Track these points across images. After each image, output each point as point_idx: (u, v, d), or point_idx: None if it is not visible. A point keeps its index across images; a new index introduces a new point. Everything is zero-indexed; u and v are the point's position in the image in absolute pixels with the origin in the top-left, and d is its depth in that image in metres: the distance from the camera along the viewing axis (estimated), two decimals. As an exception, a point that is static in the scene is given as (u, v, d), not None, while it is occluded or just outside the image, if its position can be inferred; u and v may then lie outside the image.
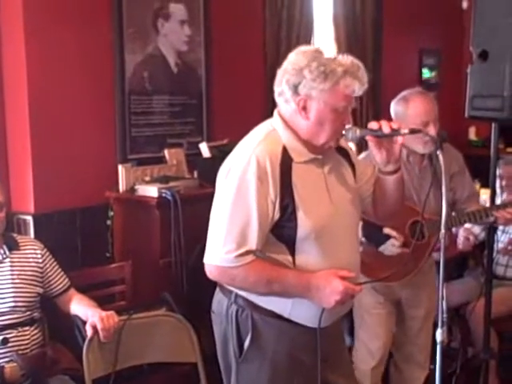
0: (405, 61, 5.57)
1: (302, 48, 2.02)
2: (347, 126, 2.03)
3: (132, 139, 3.64)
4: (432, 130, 2.65)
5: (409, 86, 2.90)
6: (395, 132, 2.04)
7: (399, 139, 2.04)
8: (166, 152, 3.67)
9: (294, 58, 1.98)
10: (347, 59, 1.97)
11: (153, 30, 3.70)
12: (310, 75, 1.92)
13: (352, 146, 3.94)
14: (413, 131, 2.13)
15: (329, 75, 1.92)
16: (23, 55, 3.16)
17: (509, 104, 2.73)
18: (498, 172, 3.74)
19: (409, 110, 2.72)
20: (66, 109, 3.34)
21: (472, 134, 6.15)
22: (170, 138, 3.83)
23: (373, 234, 2.66)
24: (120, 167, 3.46)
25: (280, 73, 2.00)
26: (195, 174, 3.67)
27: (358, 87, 1.96)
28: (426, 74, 5.78)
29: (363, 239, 2.65)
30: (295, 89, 1.95)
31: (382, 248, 2.67)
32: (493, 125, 2.97)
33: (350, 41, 4.81)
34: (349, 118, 2.03)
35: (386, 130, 2.01)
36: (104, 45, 3.48)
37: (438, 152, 2.02)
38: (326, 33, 4.82)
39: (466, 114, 2.94)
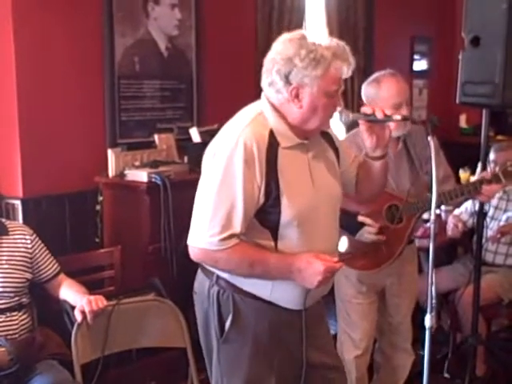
0: (396, 47, 5.56)
1: (287, 36, 1.99)
2: (339, 109, 2.03)
3: (122, 124, 3.62)
4: (404, 111, 2.62)
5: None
6: (388, 118, 2.05)
7: (391, 125, 2.05)
8: (156, 137, 3.66)
9: (281, 47, 1.95)
10: (332, 42, 1.96)
11: (143, 13, 3.67)
12: (302, 63, 1.91)
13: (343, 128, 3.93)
14: (405, 118, 2.14)
15: (320, 61, 1.91)
16: (11, 38, 3.12)
17: (500, 90, 2.73)
18: (490, 158, 3.75)
19: (381, 91, 2.65)
20: (55, 93, 3.32)
21: (463, 121, 6.17)
22: (160, 123, 3.81)
23: (348, 222, 2.60)
24: (110, 152, 3.44)
25: (268, 63, 1.98)
26: (185, 159, 3.65)
27: (347, 68, 1.97)
28: (418, 61, 5.78)
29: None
30: (286, 78, 1.94)
31: (357, 236, 2.64)
32: (483, 111, 2.98)
33: (341, 27, 4.80)
34: (340, 101, 2.03)
35: (379, 115, 2.03)
36: (94, 28, 3.45)
37: (429, 138, 2.02)
38: (318, 19, 4.79)
39: (457, 100, 2.94)
